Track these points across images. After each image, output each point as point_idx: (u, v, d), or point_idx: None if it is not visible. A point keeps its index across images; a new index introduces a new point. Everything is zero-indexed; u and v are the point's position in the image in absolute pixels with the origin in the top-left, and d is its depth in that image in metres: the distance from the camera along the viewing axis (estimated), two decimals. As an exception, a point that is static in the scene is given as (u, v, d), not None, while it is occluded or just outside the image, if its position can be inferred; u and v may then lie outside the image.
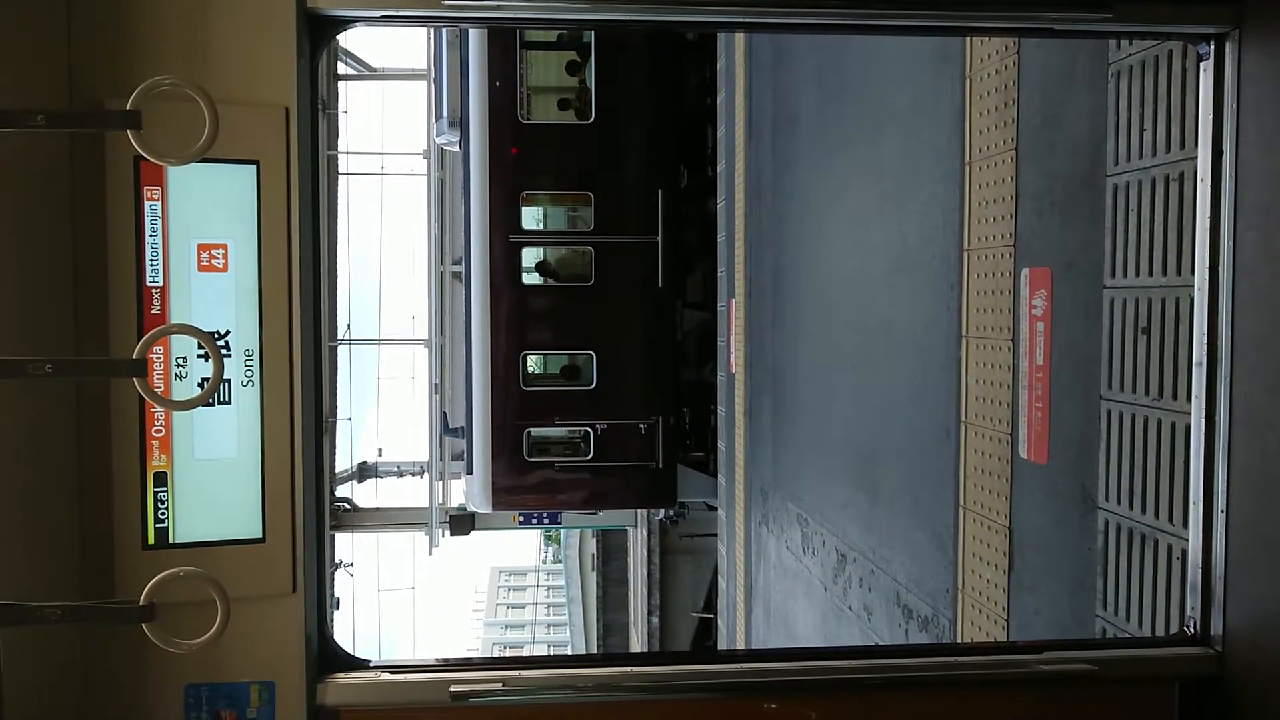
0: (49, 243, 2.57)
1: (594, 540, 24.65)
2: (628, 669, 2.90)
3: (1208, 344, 2.95)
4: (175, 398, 2.55)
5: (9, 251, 2.35)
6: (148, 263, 2.59)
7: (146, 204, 2.58)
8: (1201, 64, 2.98)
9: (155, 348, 2.55)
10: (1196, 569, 2.98)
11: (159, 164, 2.48)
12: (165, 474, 2.63)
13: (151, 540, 2.62)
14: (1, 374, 2.18)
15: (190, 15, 2.58)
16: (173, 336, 2.55)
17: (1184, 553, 3.17)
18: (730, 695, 2.89)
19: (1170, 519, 3.75)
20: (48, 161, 2.54)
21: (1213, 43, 2.93)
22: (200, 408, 2.55)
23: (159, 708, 2.64)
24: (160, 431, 2.62)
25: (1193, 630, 2.98)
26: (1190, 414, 3.05)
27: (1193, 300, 3.02)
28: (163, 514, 2.63)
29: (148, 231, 2.58)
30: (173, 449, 2.64)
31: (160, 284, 2.60)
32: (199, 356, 2.60)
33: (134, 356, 2.23)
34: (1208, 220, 2.95)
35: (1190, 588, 3.01)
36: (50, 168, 2.55)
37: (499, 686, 2.76)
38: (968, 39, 5.36)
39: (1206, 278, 2.95)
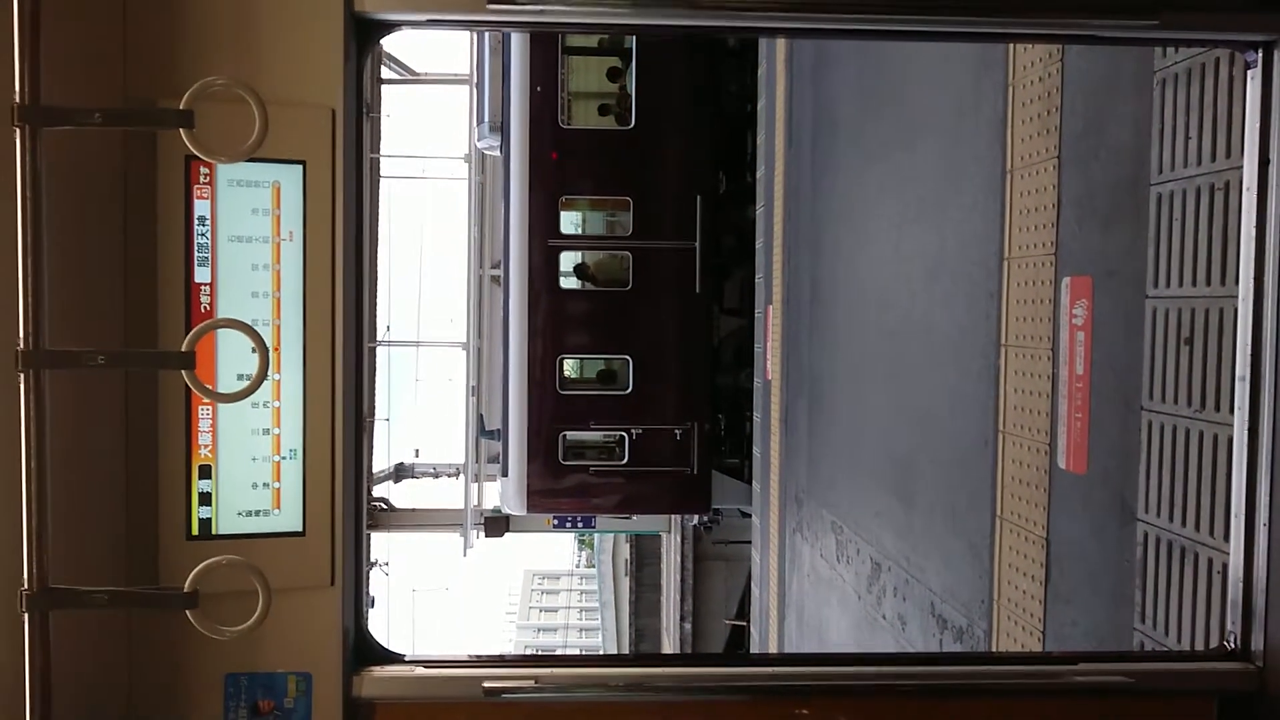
0: (102, 238, 2.64)
1: (627, 545, 24.66)
2: (659, 669, 2.91)
3: (1251, 355, 2.91)
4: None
5: (65, 246, 2.42)
6: (196, 259, 2.65)
7: (196, 201, 2.64)
8: (1249, 72, 2.94)
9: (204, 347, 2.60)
10: (1237, 583, 2.93)
11: (210, 162, 2.54)
12: (210, 466, 2.69)
13: (195, 531, 2.68)
14: (58, 364, 2.25)
15: (241, 18, 2.64)
16: (223, 333, 2.61)
17: (1225, 566, 3.12)
18: (761, 698, 2.89)
19: (1211, 532, 3.70)
20: (102, 158, 2.61)
21: (1260, 50, 2.89)
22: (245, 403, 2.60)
23: (200, 695, 2.69)
24: (206, 425, 2.68)
25: (1233, 645, 2.93)
26: (1233, 426, 3.01)
27: (1236, 311, 2.98)
28: (206, 506, 2.69)
29: (197, 228, 2.65)
30: (218, 442, 2.69)
31: (209, 280, 2.66)
32: (253, 352, 2.66)
33: (183, 349, 2.29)
34: (1253, 230, 2.91)
35: (1231, 602, 2.96)
36: (104, 164, 2.62)
37: (531, 684, 2.78)
38: (1011, 46, 5.32)
39: (1251, 288, 2.91)
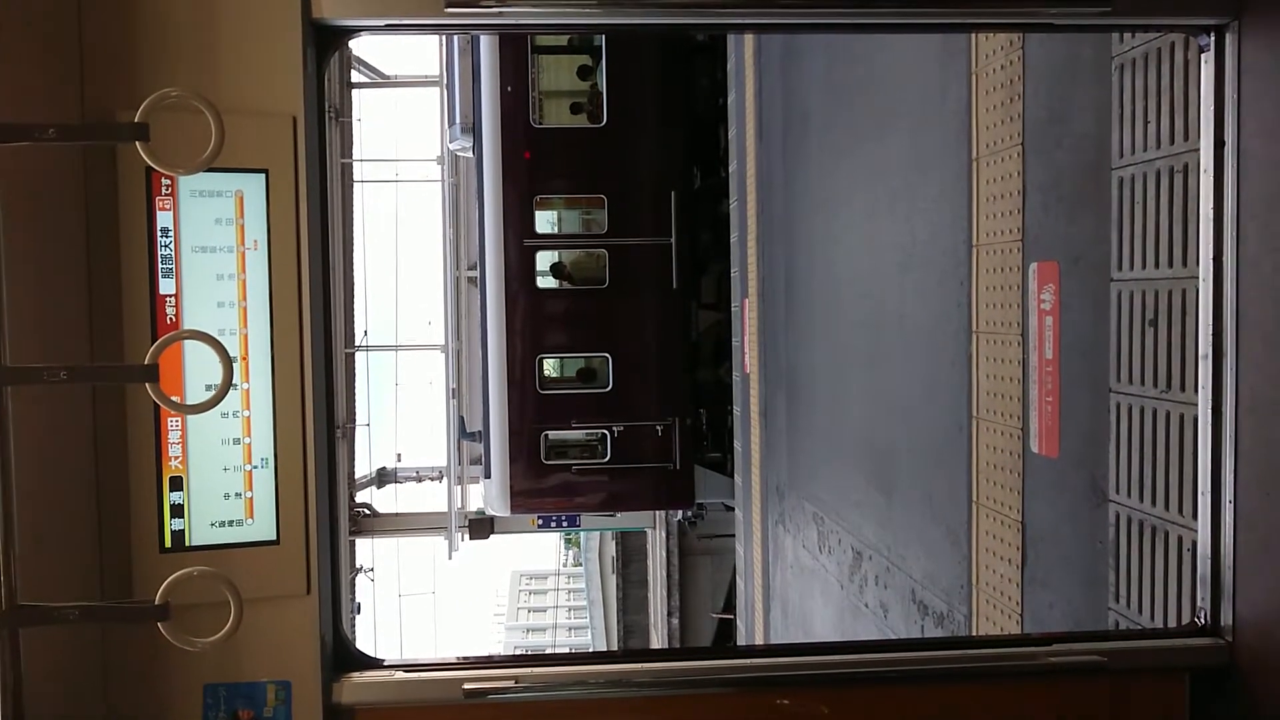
0: (64, 253, 2.62)
1: (614, 542, 24.67)
2: (640, 665, 2.93)
3: (1213, 335, 2.95)
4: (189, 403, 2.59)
5: (25, 262, 2.40)
6: (160, 271, 2.64)
7: (158, 213, 2.63)
8: (1202, 55, 2.98)
9: (170, 356, 2.59)
10: (1206, 560, 2.98)
11: (169, 174, 2.53)
12: (181, 478, 2.68)
13: (168, 543, 2.67)
14: (19, 380, 2.24)
15: (198, 27, 2.63)
16: (191, 343, 2.60)
17: (1194, 544, 3.17)
18: (742, 690, 2.91)
19: (1180, 511, 3.74)
20: (62, 173, 2.60)
21: (1213, 34, 2.93)
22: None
23: (179, 706, 2.69)
24: (176, 437, 2.67)
25: (1203, 621, 2.98)
26: (1197, 406, 3.05)
27: (1198, 291, 3.02)
28: (178, 517, 2.68)
29: (160, 240, 2.64)
30: (188, 453, 2.69)
31: (173, 292, 2.65)
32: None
33: (146, 362, 2.28)
34: (1211, 211, 2.95)
35: (1200, 579, 3.01)
36: (64, 179, 2.61)
37: (512, 684, 2.79)
38: (973, 36, 5.36)
39: (1210, 269, 2.95)
